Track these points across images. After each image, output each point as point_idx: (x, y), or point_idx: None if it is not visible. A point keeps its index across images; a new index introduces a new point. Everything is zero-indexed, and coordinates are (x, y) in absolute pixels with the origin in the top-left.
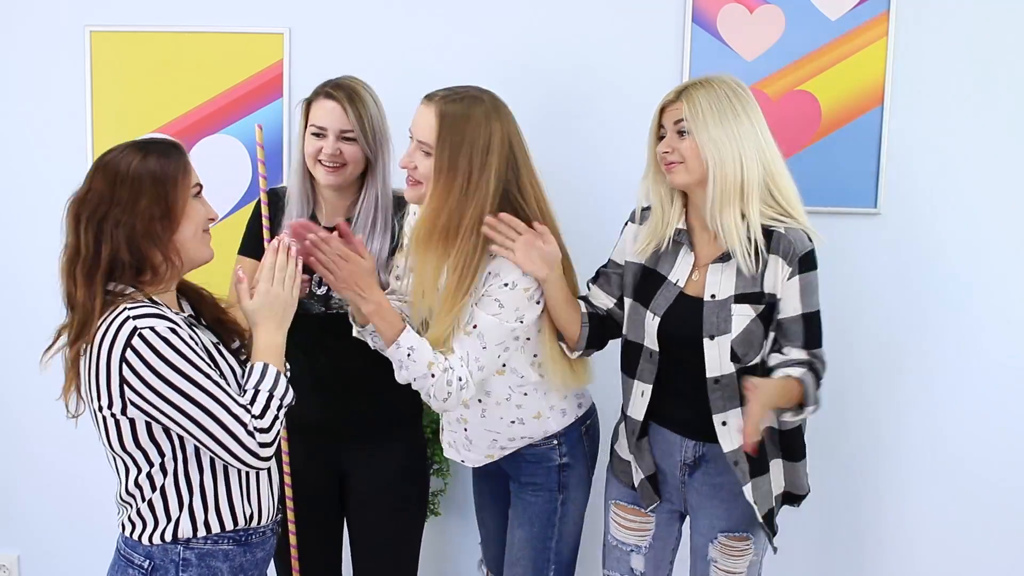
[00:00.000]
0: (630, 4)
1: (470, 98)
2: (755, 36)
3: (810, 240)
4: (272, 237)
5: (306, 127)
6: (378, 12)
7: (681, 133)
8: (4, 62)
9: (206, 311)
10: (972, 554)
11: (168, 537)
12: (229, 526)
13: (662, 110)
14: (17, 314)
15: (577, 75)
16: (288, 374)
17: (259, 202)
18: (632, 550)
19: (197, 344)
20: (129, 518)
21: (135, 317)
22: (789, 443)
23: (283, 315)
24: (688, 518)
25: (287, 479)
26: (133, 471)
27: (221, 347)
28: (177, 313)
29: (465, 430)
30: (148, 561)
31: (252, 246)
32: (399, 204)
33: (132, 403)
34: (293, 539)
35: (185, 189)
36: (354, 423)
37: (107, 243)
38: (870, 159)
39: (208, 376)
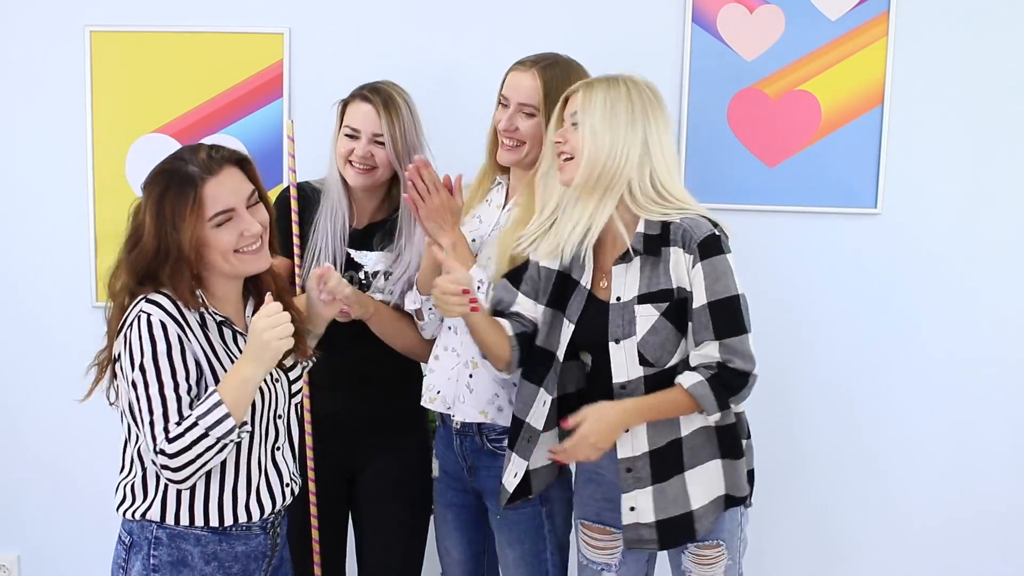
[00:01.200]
0: (630, 4)
1: (564, 61)
2: (755, 36)
3: (714, 226)
4: (301, 232)
5: (340, 127)
6: (378, 12)
7: (575, 125)
8: (4, 62)
9: None
10: (965, 560)
11: (147, 518)
12: (200, 523)
13: (566, 100)
14: (16, 314)
15: None
16: (247, 425)
17: (287, 196)
18: (603, 568)
19: (184, 348)
20: (120, 485)
21: (148, 301)
22: (726, 441)
23: (269, 357)
24: None
25: (311, 485)
26: (132, 439)
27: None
28: (196, 310)
29: (470, 376)
30: (129, 537)
31: (282, 242)
32: None
33: (116, 374)
34: (316, 546)
35: (199, 224)
36: (368, 420)
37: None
38: (870, 159)
39: (160, 381)
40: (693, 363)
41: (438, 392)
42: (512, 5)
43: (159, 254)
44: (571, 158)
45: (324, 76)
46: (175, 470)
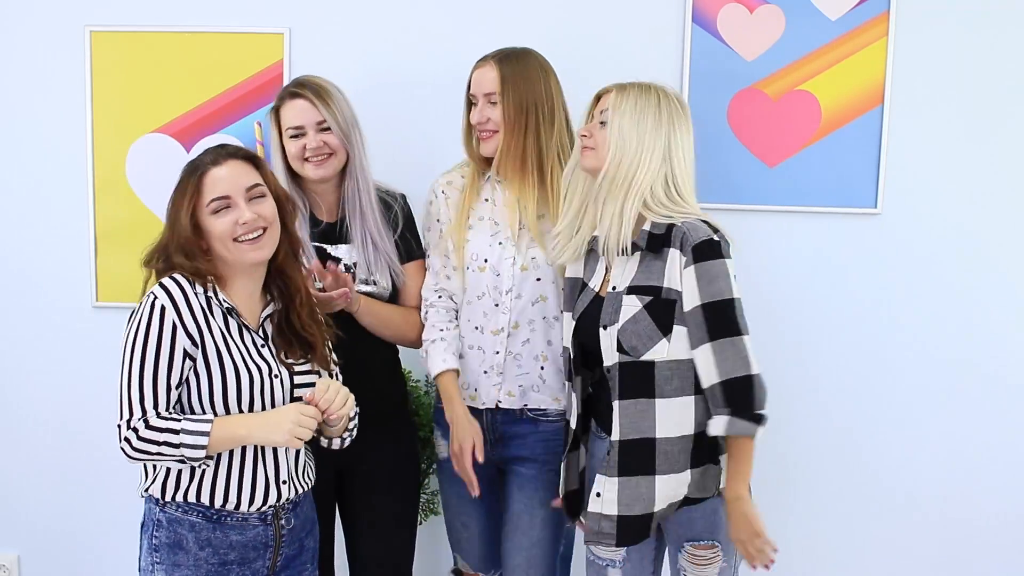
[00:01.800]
0: (630, 4)
1: (520, 50)
2: (755, 36)
3: (713, 231)
4: None
5: (281, 134)
6: (378, 12)
7: (603, 123)
8: (4, 62)
9: (294, 326)
10: (965, 560)
11: (150, 493)
12: (192, 500)
13: (598, 97)
14: (17, 314)
15: (578, 75)
16: (207, 463)
17: None
18: (608, 564)
19: (176, 338)
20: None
21: (160, 285)
22: (704, 451)
23: (273, 439)
24: (664, 528)
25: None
26: None
27: (260, 348)
28: (203, 294)
29: (542, 368)
30: (143, 516)
31: None
32: (388, 201)
33: None
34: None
35: (198, 210)
36: (359, 412)
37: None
38: (870, 159)
39: (143, 362)
40: (701, 374)
41: (476, 390)
42: (512, 5)
43: (172, 237)
44: (593, 148)
45: (324, 76)
46: (133, 450)
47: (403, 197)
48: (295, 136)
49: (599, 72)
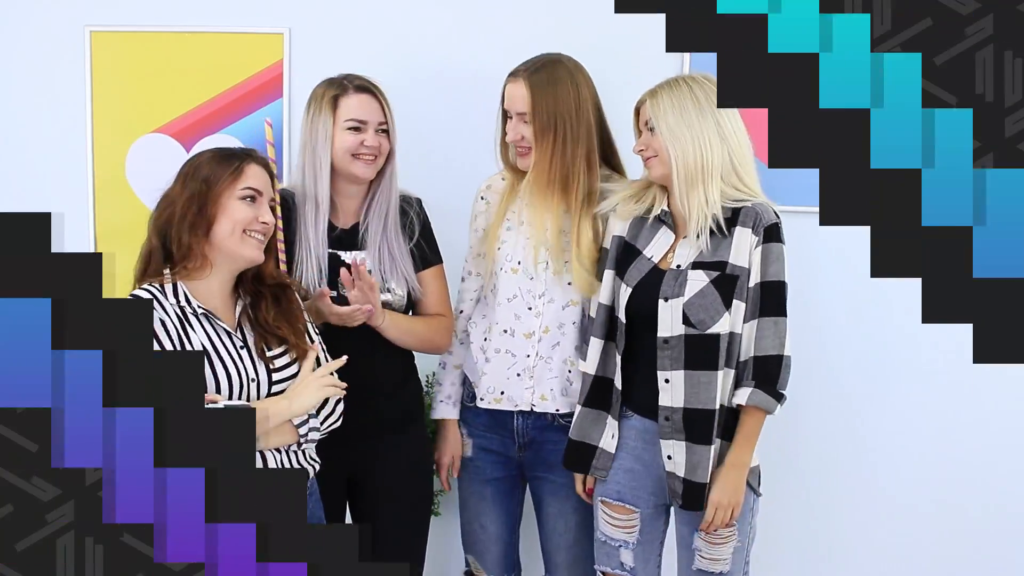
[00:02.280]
0: None
1: (551, 62)
2: None
3: (776, 216)
4: (286, 238)
5: (334, 123)
6: (378, 12)
7: (651, 130)
8: (4, 62)
9: (261, 313)
10: (963, 557)
11: None
12: None
13: (637, 111)
14: None
15: None
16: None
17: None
18: (621, 545)
19: (167, 327)
20: None
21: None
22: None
23: (303, 403)
24: (673, 509)
25: None
26: None
27: (240, 350)
28: (181, 304)
29: (569, 371)
30: None
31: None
32: (404, 207)
33: None
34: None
35: (228, 189)
36: (369, 423)
37: (154, 235)
38: None
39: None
40: (744, 343)
41: (502, 392)
42: (511, 5)
43: (189, 204)
44: (654, 156)
45: (324, 76)
46: None
47: (419, 202)
48: (353, 129)
49: (598, 71)
